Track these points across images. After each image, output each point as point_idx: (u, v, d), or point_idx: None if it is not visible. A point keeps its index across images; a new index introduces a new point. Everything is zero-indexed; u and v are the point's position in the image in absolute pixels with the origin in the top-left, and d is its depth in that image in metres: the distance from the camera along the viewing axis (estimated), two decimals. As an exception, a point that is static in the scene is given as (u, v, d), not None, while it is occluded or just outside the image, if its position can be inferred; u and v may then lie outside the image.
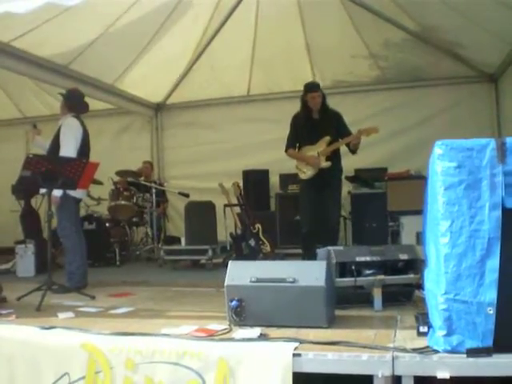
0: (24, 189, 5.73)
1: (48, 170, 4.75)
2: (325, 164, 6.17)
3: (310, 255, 5.58)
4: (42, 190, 5.51)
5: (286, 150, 6.45)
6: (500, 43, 6.96)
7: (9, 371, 3.35)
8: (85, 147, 5.64)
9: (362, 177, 8.28)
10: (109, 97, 8.83)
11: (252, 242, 7.52)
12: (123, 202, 8.42)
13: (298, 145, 6.40)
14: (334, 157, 6.24)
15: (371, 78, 8.95)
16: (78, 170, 4.91)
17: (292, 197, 8.55)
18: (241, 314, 3.47)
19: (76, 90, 6.09)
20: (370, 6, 7.41)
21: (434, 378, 2.68)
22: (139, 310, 4.38)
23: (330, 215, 6.27)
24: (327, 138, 6.18)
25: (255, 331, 3.24)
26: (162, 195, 9.22)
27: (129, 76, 8.54)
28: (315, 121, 6.24)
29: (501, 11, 5.96)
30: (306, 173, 6.29)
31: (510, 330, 2.66)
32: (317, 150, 6.21)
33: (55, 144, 5.55)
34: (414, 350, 2.79)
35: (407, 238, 6.94)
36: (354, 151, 6.25)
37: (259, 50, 8.54)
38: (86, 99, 8.72)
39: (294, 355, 2.87)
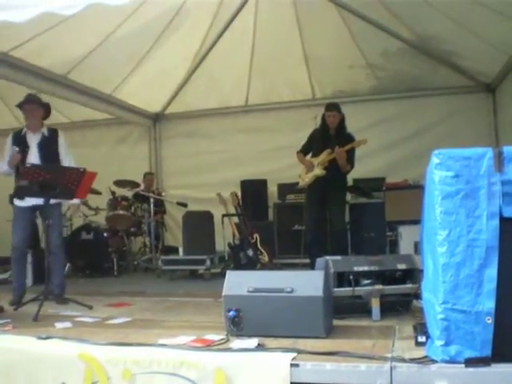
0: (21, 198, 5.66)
1: (45, 179, 4.74)
2: (319, 172, 6.59)
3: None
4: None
5: (297, 152, 6.94)
6: (497, 53, 6.97)
7: (7, 381, 3.34)
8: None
9: (360, 187, 8.27)
10: (107, 107, 8.84)
11: (250, 252, 7.51)
12: (121, 212, 8.40)
13: (311, 155, 6.86)
14: (335, 167, 6.52)
15: (368, 88, 8.98)
16: (76, 179, 4.90)
17: (290, 206, 8.56)
18: (238, 324, 3.46)
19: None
20: (367, 16, 7.44)
21: (433, 388, 2.67)
22: (137, 320, 4.37)
23: (333, 222, 6.71)
24: (328, 151, 6.56)
25: (253, 341, 3.23)
26: (159, 205, 9.20)
27: (127, 86, 8.55)
28: (330, 137, 6.64)
29: (498, 21, 5.98)
30: (304, 180, 6.78)
31: (509, 339, 2.65)
32: (317, 161, 6.65)
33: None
34: (413, 360, 2.78)
35: (405, 247, 6.91)
36: (344, 172, 6.65)
37: (257, 60, 8.57)
38: (85, 109, 8.87)
39: (292, 365, 2.86)
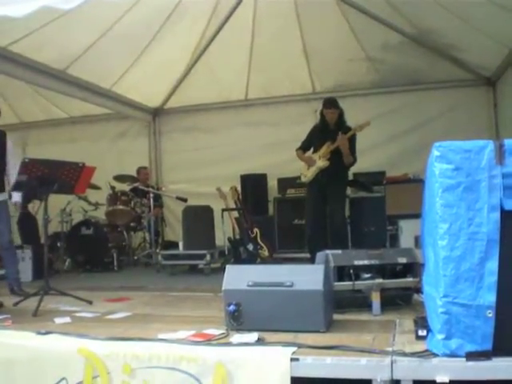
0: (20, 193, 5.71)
1: (44, 174, 4.73)
2: (322, 164, 6.55)
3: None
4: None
5: (296, 150, 6.90)
6: (498, 46, 6.94)
7: (7, 376, 3.34)
8: None
9: (360, 181, 8.26)
10: (106, 102, 8.81)
11: (250, 247, 7.50)
12: (121, 207, 8.38)
13: (312, 151, 6.82)
14: (336, 160, 6.50)
15: (369, 81, 8.94)
16: (75, 174, 4.90)
17: (290, 201, 8.55)
18: (238, 319, 3.45)
19: None
20: (366, 9, 7.41)
21: (433, 382, 2.66)
22: (136, 314, 4.36)
23: (332, 217, 6.61)
24: (328, 143, 6.54)
25: (253, 336, 3.22)
26: (157, 199, 9.18)
27: (126, 81, 8.52)
28: (330, 132, 6.59)
29: (498, 14, 5.95)
30: (307, 175, 6.72)
31: (510, 333, 2.64)
32: (318, 154, 6.63)
33: None
34: (413, 354, 2.77)
35: (406, 241, 6.92)
36: (348, 164, 6.61)
37: (257, 53, 8.53)
38: (84, 104, 8.85)
39: (292, 360, 2.85)
